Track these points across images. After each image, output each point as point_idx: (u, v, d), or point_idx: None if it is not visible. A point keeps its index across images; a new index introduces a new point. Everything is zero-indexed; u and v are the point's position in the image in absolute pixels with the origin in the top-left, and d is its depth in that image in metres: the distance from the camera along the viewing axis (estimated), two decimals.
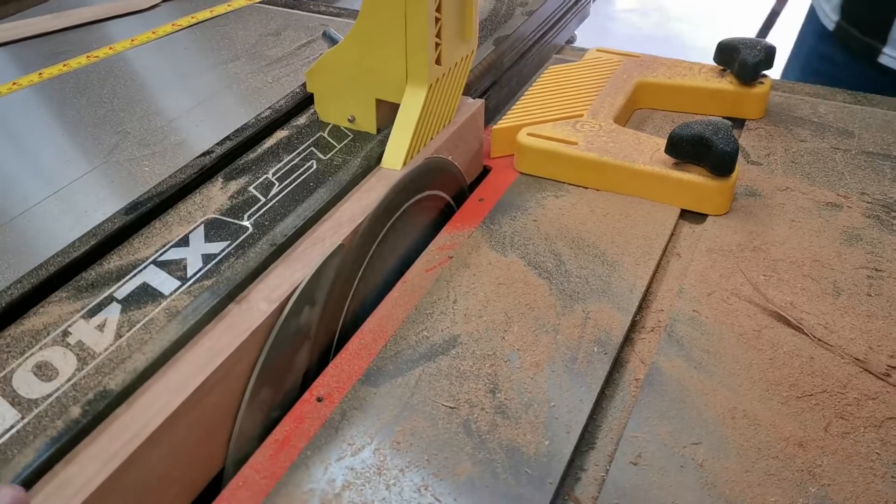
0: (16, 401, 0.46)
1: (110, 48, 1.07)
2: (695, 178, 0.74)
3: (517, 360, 0.59)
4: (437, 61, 0.68)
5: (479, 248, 0.71)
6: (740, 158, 0.81)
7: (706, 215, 0.75)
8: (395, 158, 0.68)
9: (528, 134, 0.80)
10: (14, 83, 0.99)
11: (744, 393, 0.57)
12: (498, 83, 0.89)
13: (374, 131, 0.72)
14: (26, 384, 0.47)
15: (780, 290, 0.66)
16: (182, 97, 0.90)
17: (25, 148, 0.84)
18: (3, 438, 0.44)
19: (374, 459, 0.52)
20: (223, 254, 0.58)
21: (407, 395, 0.56)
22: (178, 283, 0.55)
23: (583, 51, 1.09)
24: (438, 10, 0.66)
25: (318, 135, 0.72)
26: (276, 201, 0.63)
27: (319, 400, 0.56)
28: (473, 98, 0.80)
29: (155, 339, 0.50)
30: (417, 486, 0.50)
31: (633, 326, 0.64)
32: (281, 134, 0.72)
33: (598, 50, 0.99)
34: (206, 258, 0.57)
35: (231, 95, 0.91)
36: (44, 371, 0.48)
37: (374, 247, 0.64)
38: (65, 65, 1.02)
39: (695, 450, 0.53)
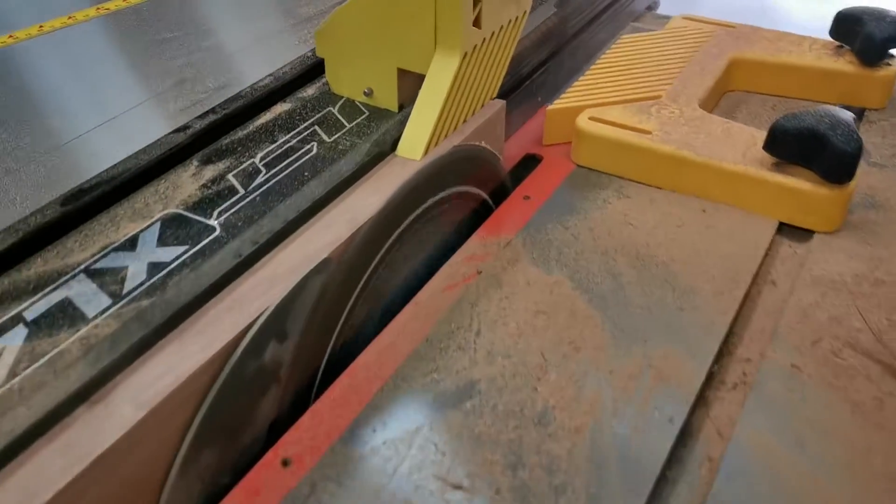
0: None
1: None
2: (801, 183, 0.57)
3: (552, 423, 0.45)
4: (476, 23, 0.54)
5: (516, 262, 0.56)
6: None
7: (813, 232, 0.59)
8: (414, 145, 0.53)
9: (591, 118, 0.65)
10: (70, 17, 0.91)
11: (863, 493, 0.41)
12: (558, 55, 0.74)
13: (394, 108, 0.58)
14: None
15: None
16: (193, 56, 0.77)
17: (84, 76, 0.76)
18: None
19: None
20: (175, 263, 0.45)
21: (400, 465, 0.43)
22: (109, 301, 0.42)
23: (666, 18, 0.92)
24: None
25: (326, 110, 0.58)
26: (258, 195, 0.50)
27: (285, 464, 0.43)
28: (525, 73, 0.65)
29: (55, 385, 0.37)
30: None
31: (710, 380, 0.48)
32: (281, 108, 0.59)
33: (684, 17, 0.82)
34: (153, 268, 0.44)
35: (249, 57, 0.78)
36: None
37: (377, 259, 0.50)
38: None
39: None
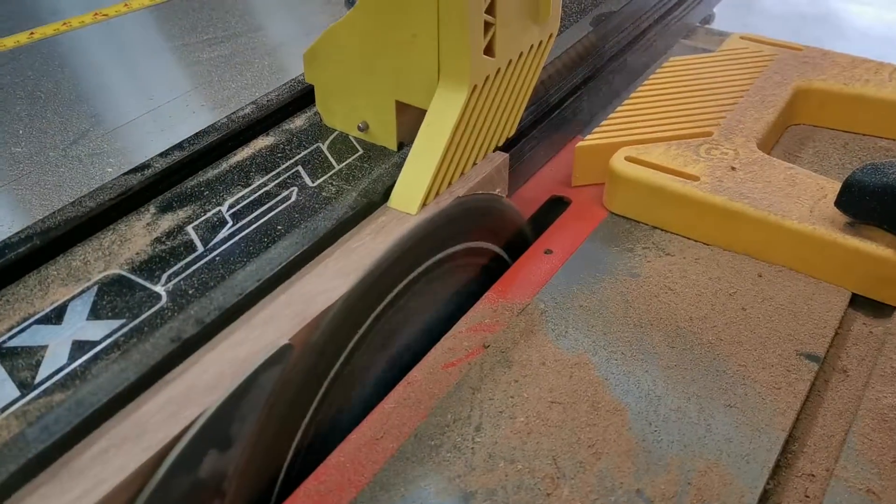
0: None
1: None
2: (881, 249, 0.47)
3: None
4: (489, 51, 0.45)
5: (531, 335, 0.47)
6: None
7: (894, 308, 0.48)
8: (410, 196, 0.45)
9: (628, 158, 0.55)
10: (125, 4, 0.86)
11: None
12: (594, 80, 0.64)
13: (393, 146, 0.50)
14: None
15: None
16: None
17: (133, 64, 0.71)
18: None
19: None
20: (105, 344, 0.37)
21: None
22: (16, 393, 0.34)
23: (721, 36, 0.82)
24: None
25: (314, 146, 0.50)
26: (218, 254, 0.42)
27: None
28: (554, 101, 0.56)
29: None
30: None
31: (764, 502, 0.39)
32: (262, 142, 0.51)
33: (741, 37, 0.72)
34: (78, 348, 0.36)
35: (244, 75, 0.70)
36: None
37: (357, 337, 0.42)
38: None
39: None
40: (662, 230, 0.55)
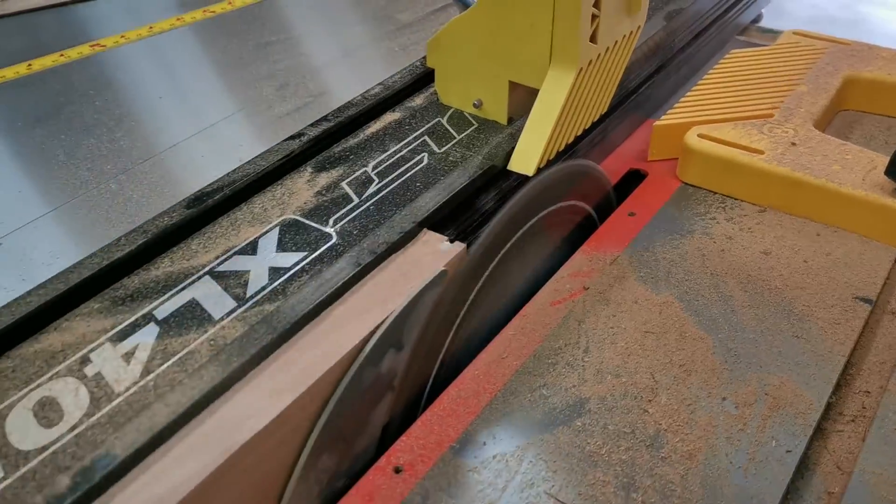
0: (1, 451, 0.35)
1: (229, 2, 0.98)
2: None
3: (664, 446, 0.44)
4: (593, 38, 0.53)
5: (623, 280, 0.55)
6: None
7: None
8: (527, 160, 0.53)
9: (700, 135, 0.64)
10: (178, 18, 0.94)
11: None
12: (664, 69, 0.73)
13: (504, 121, 0.58)
14: (21, 428, 0.37)
15: None
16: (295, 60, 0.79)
17: (179, 83, 0.79)
18: None
19: None
20: (296, 269, 0.45)
21: (511, 480, 0.43)
22: (234, 304, 0.43)
23: (772, 33, 0.90)
24: None
25: (435, 121, 0.59)
26: (372, 204, 0.50)
27: (398, 471, 0.43)
28: (632, 87, 0.65)
29: (186, 384, 0.38)
30: None
31: (827, 412, 0.47)
32: (391, 117, 0.59)
33: (794, 33, 0.80)
34: (274, 273, 0.45)
35: (347, 65, 0.79)
36: (46, 412, 0.37)
37: (488, 272, 0.51)
38: (230, 3, 0.96)
39: None
40: (731, 197, 0.63)
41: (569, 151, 0.60)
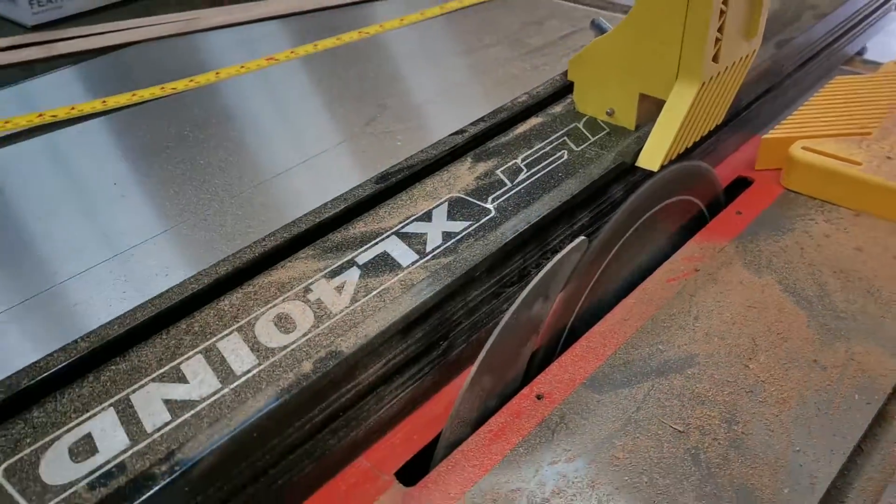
0: (255, 347, 0.48)
1: (381, 26, 1.11)
2: None
3: (761, 392, 0.53)
4: (714, 58, 0.63)
5: (730, 265, 0.65)
6: None
7: None
8: (653, 158, 0.63)
9: (804, 147, 0.72)
10: (292, 52, 1.06)
11: None
12: (773, 90, 0.82)
13: (632, 127, 0.69)
14: (266, 333, 0.49)
15: None
16: (439, 76, 0.91)
17: (291, 114, 0.90)
18: (241, 380, 0.45)
19: (589, 471, 0.49)
20: (463, 233, 0.57)
21: (632, 409, 0.52)
22: (416, 256, 0.55)
23: (875, 64, 0.98)
24: (725, 1, 0.61)
25: (572, 125, 0.69)
26: (523, 187, 0.62)
27: (539, 398, 0.54)
28: (743, 105, 0.74)
29: (388, 307, 0.50)
30: (614, 464, 0.47)
31: None
32: (534, 121, 0.71)
33: (895, 63, 0.88)
34: (447, 235, 0.57)
35: (487, 80, 0.91)
36: (283, 323, 0.50)
37: (616, 248, 0.61)
38: (338, 38, 1.08)
39: None
40: (829, 203, 0.71)
41: (686, 156, 0.70)
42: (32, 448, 0.42)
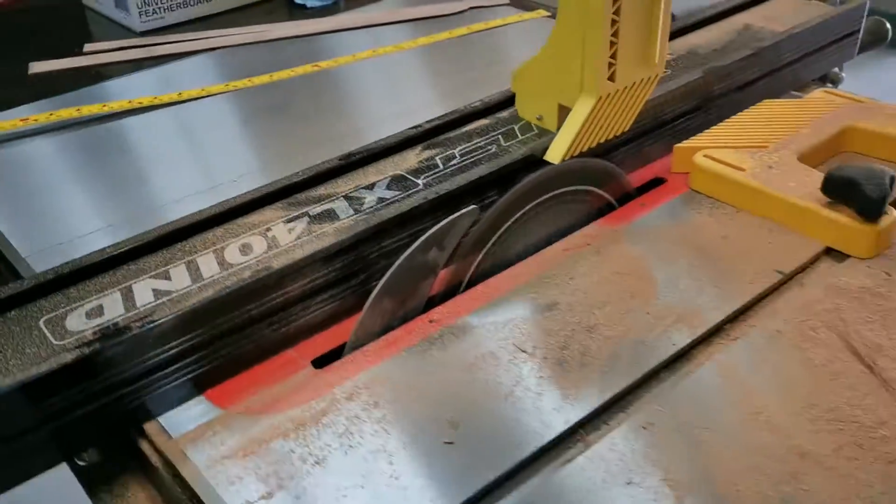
0: (221, 262, 0.69)
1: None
2: (842, 218, 0.77)
3: (596, 331, 0.70)
4: (611, 78, 0.80)
5: (616, 242, 0.81)
6: None
7: (849, 256, 0.77)
8: (554, 153, 0.81)
9: (705, 155, 0.88)
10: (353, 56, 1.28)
11: (779, 403, 0.62)
12: (704, 109, 0.97)
13: (554, 130, 0.86)
14: (232, 254, 0.70)
15: (876, 333, 0.68)
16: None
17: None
18: (205, 281, 0.66)
19: (464, 350, 0.67)
20: (392, 199, 0.76)
21: (494, 333, 0.70)
22: (353, 212, 0.75)
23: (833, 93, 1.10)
24: (615, 35, 0.78)
25: (509, 127, 0.88)
26: (450, 170, 0.80)
27: (431, 322, 0.73)
28: (667, 118, 0.90)
29: (317, 242, 0.70)
30: (468, 367, 0.65)
31: (717, 332, 0.70)
32: (482, 122, 0.89)
33: (824, 91, 1.01)
34: (379, 200, 0.76)
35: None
36: (245, 249, 0.70)
37: (511, 220, 0.79)
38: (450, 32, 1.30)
39: (700, 431, 0.60)
40: (720, 201, 0.86)
41: (605, 156, 0.86)
42: (63, 310, 0.64)
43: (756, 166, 0.85)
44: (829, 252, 0.79)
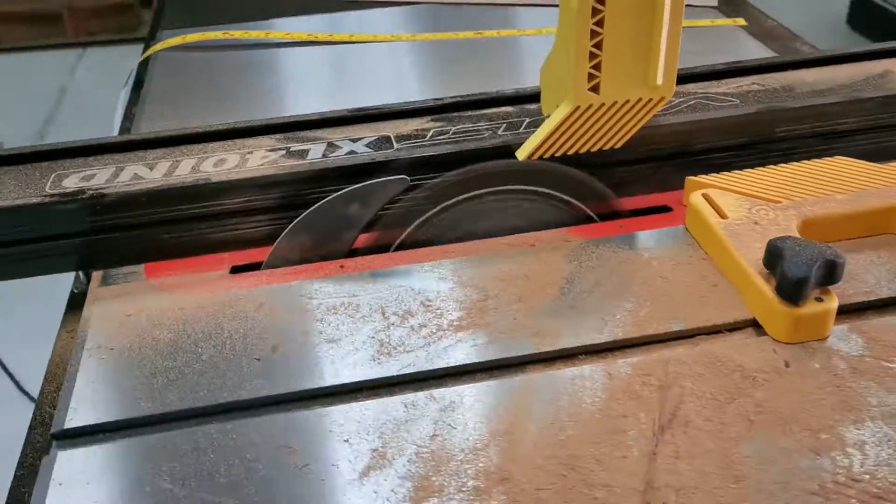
0: (195, 168, 0.84)
1: None
2: (768, 292, 0.70)
3: (487, 309, 0.73)
4: (595, 90, 0.80)
5: (557, 251, 0.81)
6: None
7: (766, 335, 0.70)
8: (523, 150, 0.83)
9: (703, 195, 0.83)
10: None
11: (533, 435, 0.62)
12: (760, 149, 0.90)
13: None
14: (206, 164, 0.85)
15: (697, 413, 0.63)
16: None
17: None
18: (172, 178, 0.82)
19: (341, 294, 0.76)
20: (362, 154, 0.85)
21: (384, 291, 0.77)
22: (321, 157, 0.85)
23: None
24: (598, 46, 0.77)
25: (522, 119, 0.90)
26: (429, 143, 0.87)
27: (342, 267, 0.81)
28: (700, 149, 0.87)
29: (269, 170, 0.82)
30: (330, 309, 0.74)
31: (570, 357, 0.70)
32: (505, 109, 0.92)
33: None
34: (350, 152, 0.86)
35: None
36: (219, 163, 0.85)
37: (450, 202, 0.83)
38: None
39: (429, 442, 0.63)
40: (696, 241, 0.81)
41: (602, 169, 0.86)
42: (69, 172, 0.84)
43: (741, 218, 0.79)
44: (755, 324, 0.72)
